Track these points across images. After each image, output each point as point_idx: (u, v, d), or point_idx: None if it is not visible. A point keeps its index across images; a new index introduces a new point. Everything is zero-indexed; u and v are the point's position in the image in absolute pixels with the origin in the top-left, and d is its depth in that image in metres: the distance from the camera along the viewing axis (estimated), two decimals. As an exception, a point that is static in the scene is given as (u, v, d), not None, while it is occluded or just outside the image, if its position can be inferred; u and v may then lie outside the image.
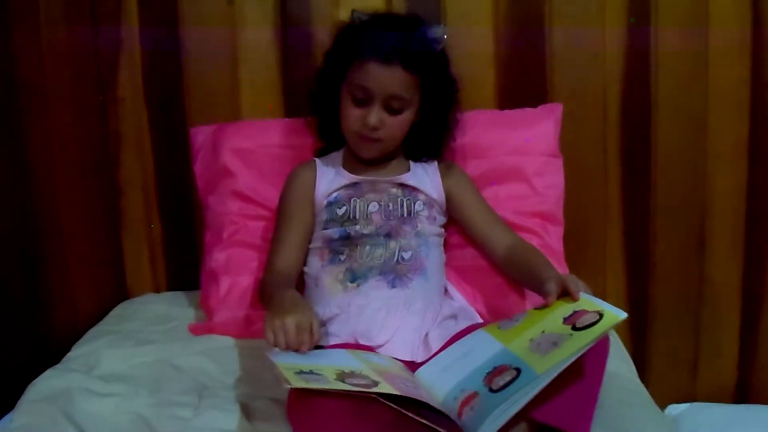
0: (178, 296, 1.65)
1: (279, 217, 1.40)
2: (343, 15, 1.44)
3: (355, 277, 1.30)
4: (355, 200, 1.36)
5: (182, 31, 1.62)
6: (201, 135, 1.58)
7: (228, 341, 1.41)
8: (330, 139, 1.44)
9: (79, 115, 1.59)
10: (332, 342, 1.22)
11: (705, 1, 1.59)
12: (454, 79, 1.38)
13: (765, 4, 1.59)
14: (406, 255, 1.31)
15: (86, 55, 1.62)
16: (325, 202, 1.37)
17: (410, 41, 1.29)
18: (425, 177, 1.40)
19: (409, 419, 0.96)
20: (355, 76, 1.29)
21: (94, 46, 1.63)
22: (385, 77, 1.27)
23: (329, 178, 1.39)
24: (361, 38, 1.30)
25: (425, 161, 1.42)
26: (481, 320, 1.35)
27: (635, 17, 1.60)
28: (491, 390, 0.96)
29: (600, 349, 1.02)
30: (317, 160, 1.43)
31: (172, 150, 1.67)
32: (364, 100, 1.29)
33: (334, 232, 1.34)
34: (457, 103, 1.40)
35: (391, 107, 1.29)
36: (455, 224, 1.45)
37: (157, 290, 1.73)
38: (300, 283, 1.36)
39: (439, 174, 1.41)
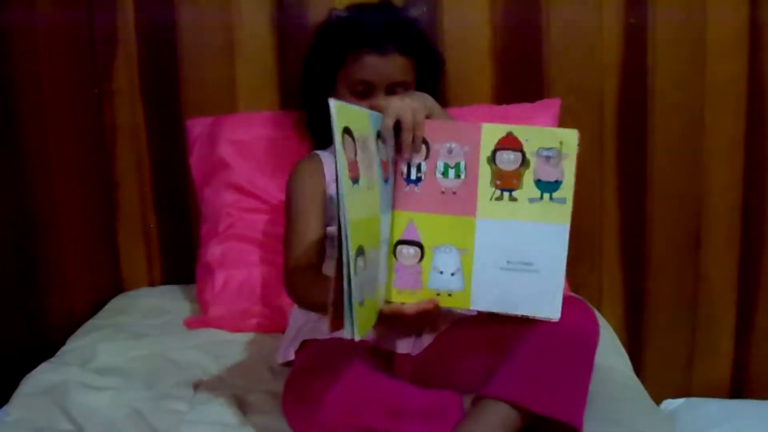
0: (174, 290, 1.65)
1: (294, 213, 1.28)
2: (340, 7, 1.43)
3: None
4: None
5: (178, 23, 1.62)
6: (198, 127, 1.58)
7: (223, 335, 1.41)
8: (325, 138, 1.43)
9: (75, 108, 1.58)
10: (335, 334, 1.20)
11: (702, -3, 1.59)
12: (439, 53, 1.41)
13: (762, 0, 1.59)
14: None
15: (82, 46, 1.61)
16: (329, 196, 1.35)
17: (399, 26, 1.30)
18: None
19: (405, 408, 0.96)
20: (351, 72, 1.28)
21: (90, 37, 1.62)
22: (384, 66, 1.26)
23: (334, 171, 1.36)
24: (350, 33, 1.29)
25: None
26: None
27: (633, 13, 1.60)
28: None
29: (588, 339, 1.02)
30: (319, 152, 1.39)
31: (167, 143, 1.66)
32: (365, 93, 1.29)
33: (335, 229, 1.32)
34: (443, 76, 1.44)
35: (394, 93, 1.28)
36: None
37: (153, 284, 1.73)
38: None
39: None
